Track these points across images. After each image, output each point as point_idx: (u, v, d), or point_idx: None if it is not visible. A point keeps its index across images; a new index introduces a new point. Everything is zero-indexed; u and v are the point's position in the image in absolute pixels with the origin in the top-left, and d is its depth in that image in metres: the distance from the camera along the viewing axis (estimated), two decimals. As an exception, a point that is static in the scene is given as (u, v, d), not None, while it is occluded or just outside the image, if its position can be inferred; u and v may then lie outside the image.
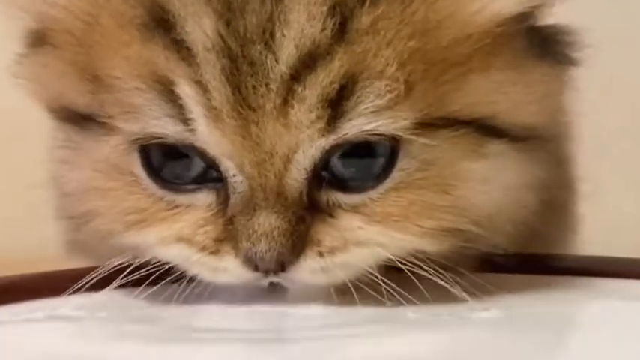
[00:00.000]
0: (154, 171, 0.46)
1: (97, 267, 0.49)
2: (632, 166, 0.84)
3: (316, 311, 0.46)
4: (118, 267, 0.46)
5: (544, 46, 0.47)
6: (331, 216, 0.45)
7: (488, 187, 0.46)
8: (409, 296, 0.45)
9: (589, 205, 0.59)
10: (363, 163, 0.45)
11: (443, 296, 0.44)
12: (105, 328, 0.45)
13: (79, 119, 0.47)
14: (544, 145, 0.48)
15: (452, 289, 0.44)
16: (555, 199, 0.51)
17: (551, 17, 0.47)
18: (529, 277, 0.49)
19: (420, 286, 0.45)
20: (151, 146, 0.45)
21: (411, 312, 0.45)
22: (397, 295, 0.44)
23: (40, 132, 0.52)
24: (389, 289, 0.44)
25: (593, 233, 0.58)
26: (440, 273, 0.44)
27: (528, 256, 0.49)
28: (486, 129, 0.45)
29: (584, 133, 0.55)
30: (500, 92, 0.45)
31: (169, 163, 0.45)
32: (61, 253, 0.57)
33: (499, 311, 0.45)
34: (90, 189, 0.47)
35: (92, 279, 0.46)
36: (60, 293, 0.47)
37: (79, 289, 0.46)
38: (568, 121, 0.50)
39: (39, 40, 0.48)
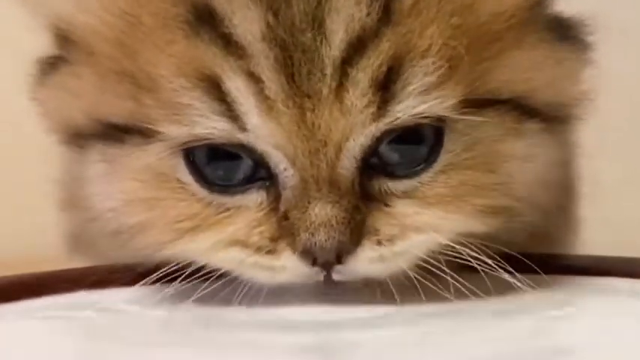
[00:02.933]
0: (201, 175, 0.45)
1: (96, 266, 0.49)
2: (632, 166, 0.84)
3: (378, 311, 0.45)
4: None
5: (562, 30, 0.48)
6: (386, 204, 0.45)
7: (529, 164, 0.47)
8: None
9: (589, 205, 0.59)
10: (411, 148, 0.45)
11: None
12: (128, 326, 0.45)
13: (114, 132, 0.46)
14: (565, 127, 0.50)
15: (513, 282, 0.45)
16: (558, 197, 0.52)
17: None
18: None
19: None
20: (196, 150, 0.45)
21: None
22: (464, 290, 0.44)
23: (40, 132, 0.52)
24: (455, 283, 0.44)
25: (593, 233, 0.58)
26: (500, 264, 0.45)
27: (529, 256, 0.49)
28: (523, 107, 0.46)
29: (585, 132, 0.55)
30: (534, 69, 0.46)
31: (216, 166, 0.45)
32: (61, 253, 0.57)
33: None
34: (135, 200, 0.46)
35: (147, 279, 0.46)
36: (66, 291, 0.47)
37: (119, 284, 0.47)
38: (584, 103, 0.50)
39: (61, 61, 0.47)
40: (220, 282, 0.46)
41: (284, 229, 0.44)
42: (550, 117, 0.48)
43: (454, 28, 0.43)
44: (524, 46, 0.46)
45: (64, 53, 0.48)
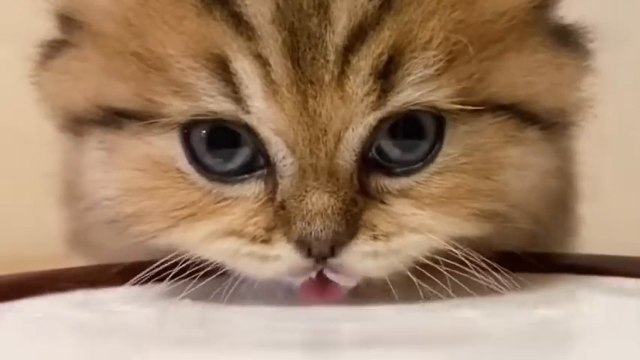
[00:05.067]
0: (200, 163, 0.45)
1: (94, 265, 0.49)
2: (632, 166, 0.84)
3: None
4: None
5: (563, 35, 0.48)
6: (383, 202, 0.45)
7: (526, 171, 0.47)
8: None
9: (589, 205, 0.59)
10: (411, 145, 0.45)
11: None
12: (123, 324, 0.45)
13: (114, 118, 0.46)
14: (563, 133, 0.50)
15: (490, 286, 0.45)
16: (558, 195, 0.52)
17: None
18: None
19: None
20: (196, 138, 0.45)
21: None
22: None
23: (41, 133, 0.52)
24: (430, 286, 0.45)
25: (593, 233, 0.58)
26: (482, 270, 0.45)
27: (531, 255, 0.49)
28: (523, 114, 0.46)
29: (585, 133, 0.54)
30: (535, 73, 0.46)
31: (215, 153, 0.45)
32: (61, 253, 0.57)
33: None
34: (133, 189, 0.47)
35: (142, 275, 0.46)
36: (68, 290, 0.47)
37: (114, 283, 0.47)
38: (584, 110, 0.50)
39: (64, 45, 0.48)
40: (212, 278, 0.46)
41: (280, 218, 0.44)
42: (550, 124, 0.48)
43: (456, 22, 0.43)
44: (525, 49, 0.46)
45: (68, 37, 0.48)
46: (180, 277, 0.46)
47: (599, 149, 0.55)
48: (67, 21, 0.48)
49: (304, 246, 0.44)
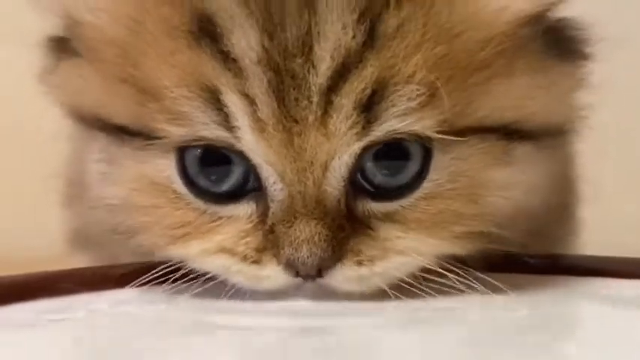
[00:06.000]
0: (194, 185, 0.46)
1: (95, 267, 0.49)
2: (633, 168, 0.84)
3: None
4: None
5: (559, 44, 0.48)
6: (369, 227, 0.46)
7: (513, 192, 0.47)
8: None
9: (589, 206, 0.59)
10: (396, 170, 0.46)
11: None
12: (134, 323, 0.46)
13: (115, 131, 0.47)
14: (560, 139, 0.50)
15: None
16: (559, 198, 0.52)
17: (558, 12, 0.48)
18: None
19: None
20: (191, 159, 0.46)
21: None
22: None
23: (41, 133, 0.52)
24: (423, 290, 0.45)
25: (593, 233, 0.58)
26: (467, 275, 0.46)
27: (530, 256, 0.49)
28: (513, 134, 0.46)
29: (585, 134, 0.55)
30: (526, 96, 0.46)
31: (209, 173, 0.46)
32: (61, 253, 0.57)
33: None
34: (131, 205, 0.48)
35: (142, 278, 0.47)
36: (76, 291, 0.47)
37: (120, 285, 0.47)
38: (581, 116, 0.50)
39: (71, 48, 0.48)
40: (211, 283, 0.47)
41: (269, 241, 0.45)
42: (542, 136, 0.48)
43: (439, 54, 0.43)
44: (514, 72, 0.46)
45: (73, 43, 0.48)
46: (183, 279, 0.47)
47: (600, 151, 0.55)
48: (71, 28, 0.48)
49: (292, 269, 0.45)
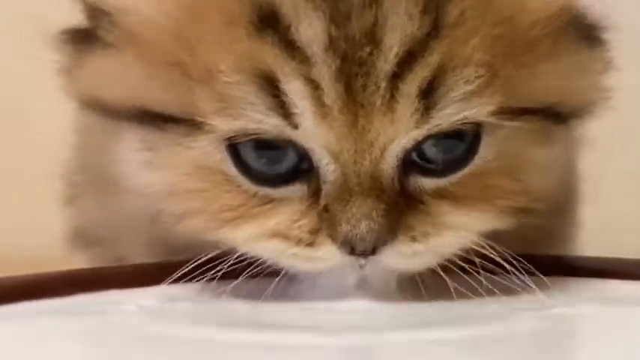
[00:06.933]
0: (246, 167, 0.46)
1: (96, 267, 0.49)
2: (633, 169, 0.84)
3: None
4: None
5: (586, 30, 0.49)
6: (421, 202, 0.46)
7: (554, 170, 0.49)
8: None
9: (589, 206, 0.59)
10: (451, 148, 0.46)
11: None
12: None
13: (157, 120, 0.47)
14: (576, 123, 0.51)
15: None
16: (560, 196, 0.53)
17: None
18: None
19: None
20: (241, 144, 0.46)
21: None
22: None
23: (41, 133, 0.52)
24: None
25: (593, 233, 0.58)
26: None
27: (531, 257, 0.49)
28: (553, 116, 0.48)
29: (585, 133, 0.55)
30: (567, 77, 0.48)
31: (261, 157, 0.46)
32: (61, 254, 0.57)
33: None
34: (177, 191, 0.47)
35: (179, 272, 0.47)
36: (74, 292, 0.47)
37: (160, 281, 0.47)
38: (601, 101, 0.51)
39: (96, 39, 0.48)
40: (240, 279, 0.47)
41: (324, 220, 0.46)
42: (571, 118, 0.49)
43: (496, 36, 0.45)
44: (557, 54, 0.47)
45: (102, 33, 0.48)
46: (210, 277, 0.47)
47: (600, 152, 0.56)
48: (102, 17, 0.47)
49: (348, 245, 0.45)
